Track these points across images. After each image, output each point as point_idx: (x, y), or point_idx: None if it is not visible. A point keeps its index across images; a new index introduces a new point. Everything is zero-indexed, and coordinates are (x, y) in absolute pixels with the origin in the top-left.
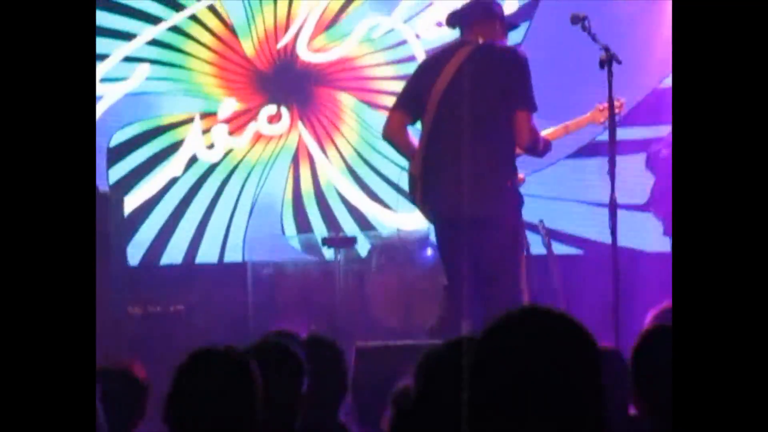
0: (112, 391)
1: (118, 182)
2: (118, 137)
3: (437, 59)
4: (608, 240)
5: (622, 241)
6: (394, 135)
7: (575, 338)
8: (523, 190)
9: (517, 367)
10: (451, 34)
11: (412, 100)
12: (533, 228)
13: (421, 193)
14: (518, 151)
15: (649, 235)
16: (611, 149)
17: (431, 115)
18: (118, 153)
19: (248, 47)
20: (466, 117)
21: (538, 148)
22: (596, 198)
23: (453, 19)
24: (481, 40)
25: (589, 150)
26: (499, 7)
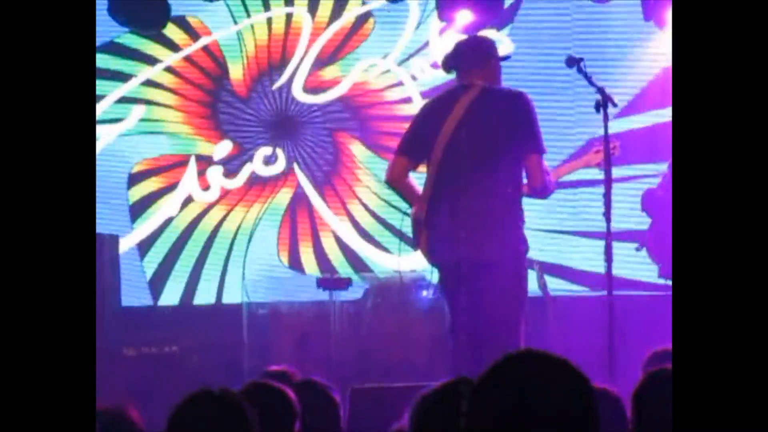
0: None
1: (113, 223)
2: (113, 177)
3: (442, 104)
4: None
5: (619, 282)
6: (398, 180)
7: (572, 383)
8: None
9: (514, 412)
10: (444, 74)
11: (417, 145)
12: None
13: (426, 238)
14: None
15: (643, 275)
16: (607, 193)
17: (438, 159)
18: (112, 194)
19: (243, 89)
20: (474, 161)
21: (548, 189)
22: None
23: (451, 63)
24: (480, 83)
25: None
26: (492, 45)
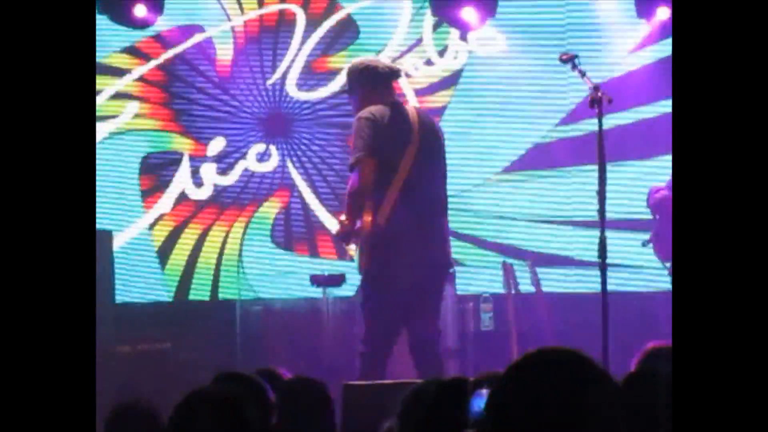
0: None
1: (106, 220)
2: (107, 174)
3: (401, 116)
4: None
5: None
6: (371, 188)
7: (594, 375)
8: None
9: (539, 409)
10: (440, 72)
11: (384, 153)
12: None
13: (384, 252)
14: None
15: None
16: (601, 192)
17: (405, 172)
18: (106, 190)
19: (236, 86)
20: (437, 172)
21: None
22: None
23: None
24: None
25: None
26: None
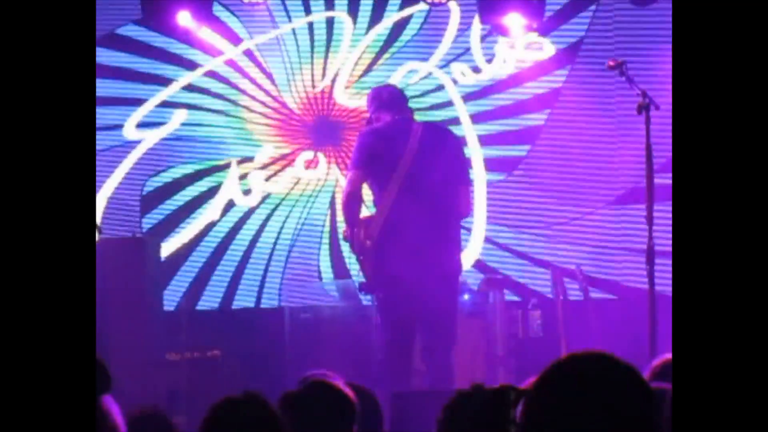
0: None
1: (154, 228)
2: (153, 183)
3: (399, 130)
4: (646, 286)
5: (661, 287)
6: (355, 195)
7: (629, 381)
8: (563, 236)
9: (571, 415)
10: (486, 79)
11: (374, 166)
12: (571, 274)
13: (376, 256)
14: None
15: None
16: (649, 195)
17: (398, 183)
18: (153, 198)
19: (285, 92)
20: (441, 176)
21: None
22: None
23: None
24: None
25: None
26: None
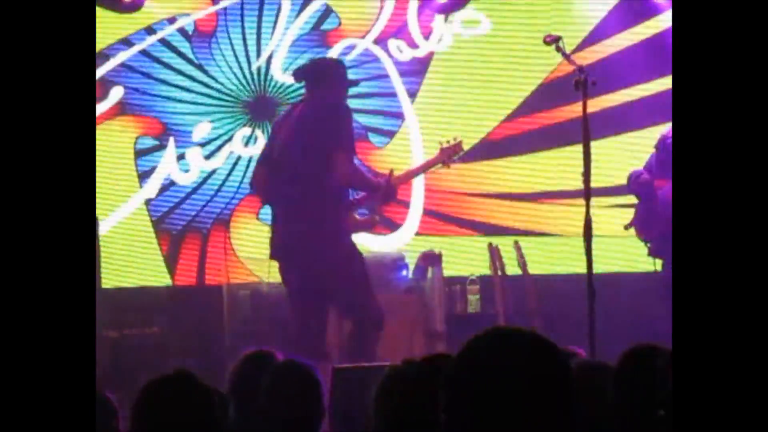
0: None
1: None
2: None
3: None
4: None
5: (600, 264)
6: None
7: (545, 355)
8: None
9: (489, 384)
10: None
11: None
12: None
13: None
14: None
15: (628, 256)
16: (587, 171)
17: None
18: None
19: (222, 70)
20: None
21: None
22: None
23: (297, 76)
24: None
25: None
26: (333, 65)
